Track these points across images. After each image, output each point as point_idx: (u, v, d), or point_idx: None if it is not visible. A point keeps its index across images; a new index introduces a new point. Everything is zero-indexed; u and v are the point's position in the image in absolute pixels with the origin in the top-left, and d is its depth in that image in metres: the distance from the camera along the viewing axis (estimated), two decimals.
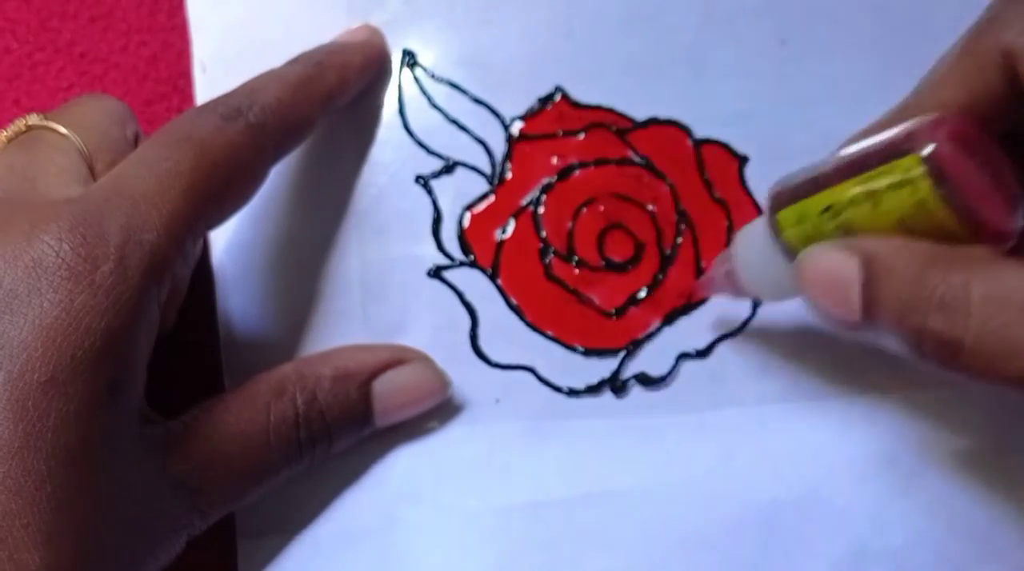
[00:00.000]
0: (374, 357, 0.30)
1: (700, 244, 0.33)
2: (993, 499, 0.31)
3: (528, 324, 0.33)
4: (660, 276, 0.33)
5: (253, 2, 0.34)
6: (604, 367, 0.33)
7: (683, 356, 0.33)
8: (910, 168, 0.23)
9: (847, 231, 0.25)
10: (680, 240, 0.33)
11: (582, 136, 0.34)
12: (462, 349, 0.32)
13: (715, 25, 0.34)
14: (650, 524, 0.31)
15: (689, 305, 0.33)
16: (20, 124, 0.28)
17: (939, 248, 0.23)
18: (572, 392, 0.32)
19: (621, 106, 0.34)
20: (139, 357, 0.25)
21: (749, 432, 0.32)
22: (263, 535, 0.31)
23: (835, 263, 0.25)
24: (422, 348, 0.32)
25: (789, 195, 0.26)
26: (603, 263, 0.33)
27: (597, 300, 0.33)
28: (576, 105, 0.34)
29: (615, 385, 0.32)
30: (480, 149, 0.34)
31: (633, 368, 0.33)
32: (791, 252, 0.27)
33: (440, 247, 0.33)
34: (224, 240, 0.33)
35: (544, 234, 0.33)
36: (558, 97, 0.34)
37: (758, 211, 0.34)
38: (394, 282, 0.33)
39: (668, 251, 0.33)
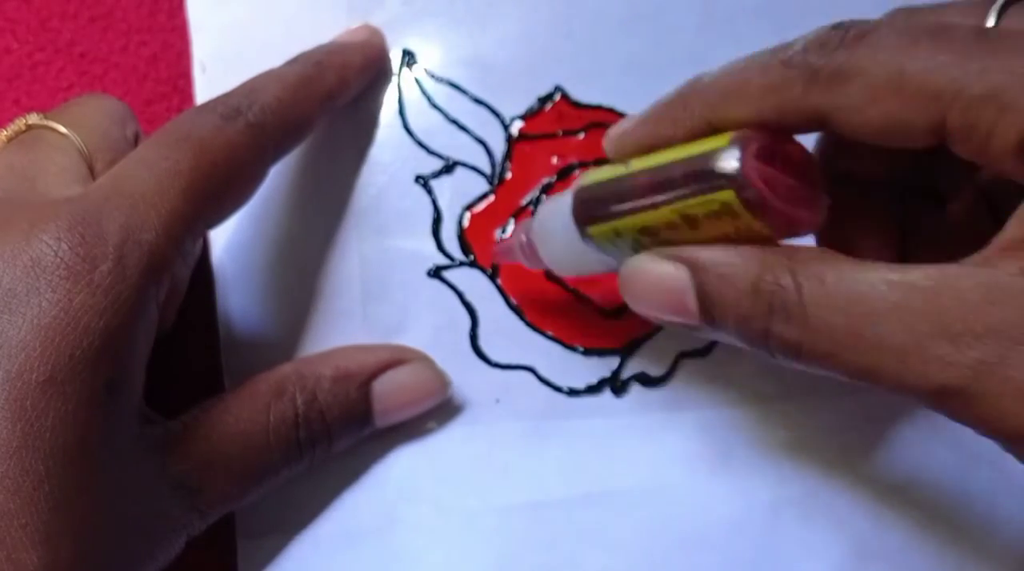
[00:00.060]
0: (374, 357, 0.30)
1: None
2: (993, 499, 0.31)
3: (528, 324, 0.33)
4: None
5: (253, 2, 0.34)
6: (604, 367, 0.33)
7: (683, 355, 0.33)
8: (727, 201, 0.23)
9: (666, 244, 0.25)
10: None
11: (582, 136, 0.34)
12: (462, 349, 0.32)
13: (715, 25, 0.34)
14: (650, 524, 0.31)
15: None
16: (20, 123, 0.28)
17: (767, 251, 0.24)
18: (572, 392, 0.32)
19: (621, 106, 0.34)
20: (138, 357, 0.25)
21: (749, 432, 0.32)
22: (263, 535, 0.31)
23: (663, 274, 0.25)
24: (422, 348, 0.32)
25: (602, 211, 0.26)
26: None
27: (597, 300, 0.33)
28: (576, 105, 0.34)
29: (615, 385, 0.32)
30: (480, 149, 0.34)
31: (633, 368, 0.33)
32: (603, 250, 0.27)
33: (440, 247, 0.33)
34: (224, 240, 0.33)
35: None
36: (558, 97, 0.34)
37: None
38: (394, 282, 0.33)
39: None
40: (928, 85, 0.22)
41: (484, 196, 0.33)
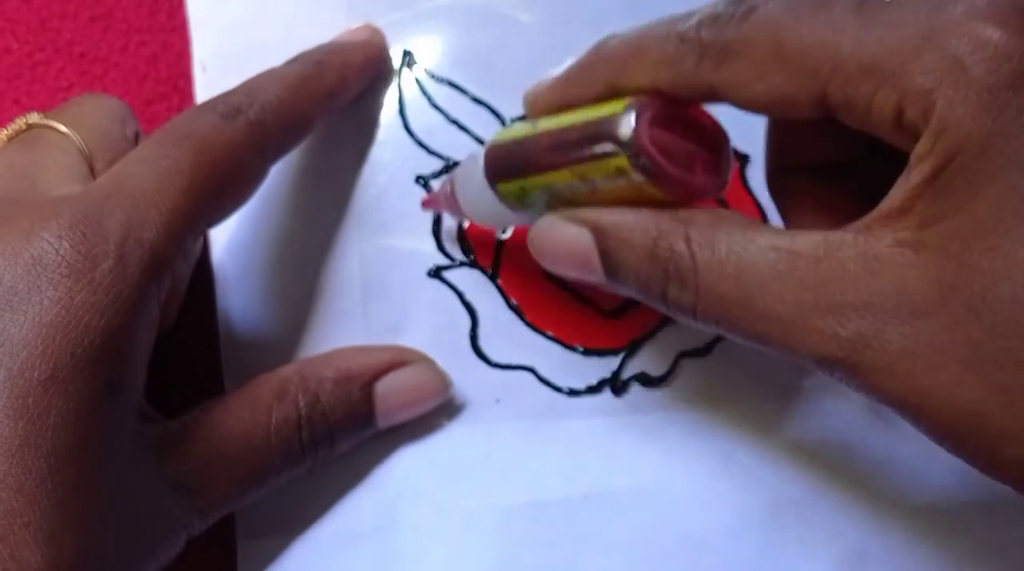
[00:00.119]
0: (376, 359, 0.30)
1: None
2: (994, 499, 0.31)
3: (528, 324, 0.33)
4: None
5: (253, 2, 0.34)
6: (604, 367, 0.33)
7: (683, 355, 0.33)
8: (621, 165, 0.24)
9: (571, 203, 0.26)
10: None
11: None
12: (462, 349, 0.32)
13: None
14: (650, 524, 0.31)
15: None
16: (20, 123, 0.28)
17: (664, 216, 0.25)
18: (572, 392, 0.32)
19: None
20: (139, 355, 0.25)
21: (749, 432, 0.32)
22: (263, 535, 0.31)
23: (568, 235, 0.26)
24: (422, 348, 0.32)
25: (507, 168, 0.27)
26: None
27: (597, 300, 0.33)
28: None
29: (615, 385, 0.32)
30: (480, 149, 0.34)
31: (633, 368, 0.33)
32: (514, 207, 0.28)
33: (440, 247, 0.33)
34: (224, 239, 0.33)
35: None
36: None
37: (760, 211, 0.34)
38: (394, 282, 0.33)
39: None
40: (807, 60, 0.22)
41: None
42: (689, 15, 0.25)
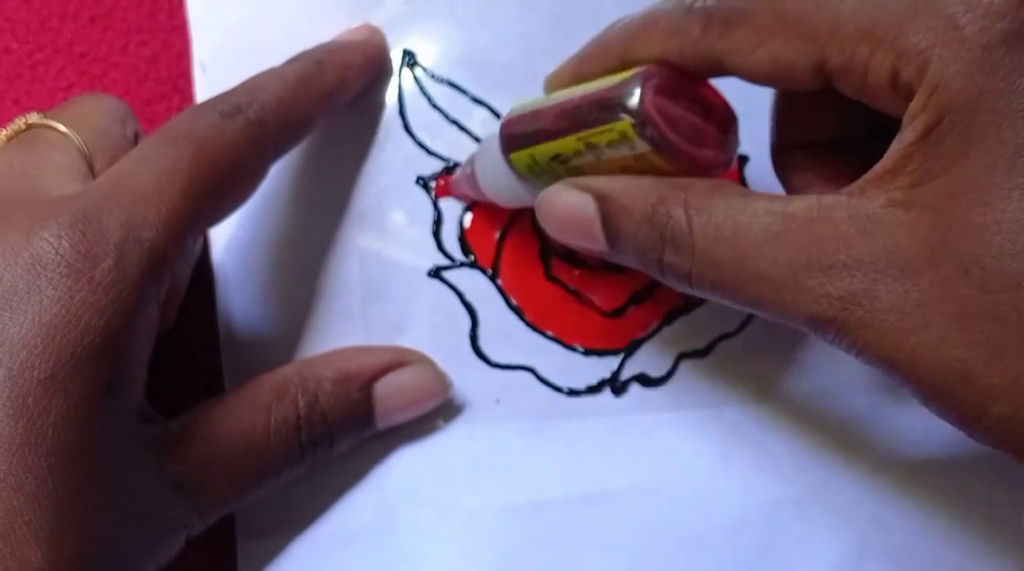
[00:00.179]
0: (375, 359, 0.30)
1: None
2: (994, 499, 0.31)
3: (528, 324, 0.33)
4: None
5: (253, 2, 0.34)
6: (604, 367, 0.33)
7: (683, 356, 0.33)
8: (624, 130, 0.24)
9: (578, 173, 0.27)
10: None
11: None
12: (462, 349, 0.32)
13: None
14: (650, 524, 0.31)
15: (688, 305, 0.33)
16: (20, 122, 0.28)
17: (664, 183, 0.25)
18: (572, 392, 0.32)
19: None
20: (138, 355, 0.25)
21: (749, 432, 0.32)
22: (263, 535, 0.31)
23: (572, 203, 0.26)
24: (422, 348, 0.32)
25: (519, 138, 0.28)
26: (603, 263, 0.33)
27: (597, 300, 0.33)
28: None
29: (615, 385, 0.32)
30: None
31: (633, 368, 0.33)
32: (526, 179, 0.29)
33: (440, 247, 0.33)
34: (224, 239, 0.33)
35: (544, 234, 0.33)
36: None
37: None
38: (394, 282, 0.33)
39: None
40: (806, 26, 0.23)
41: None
42: None
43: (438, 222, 0.33)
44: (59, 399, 0.23)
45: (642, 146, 0.24)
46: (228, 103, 0.28)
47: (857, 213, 0.22)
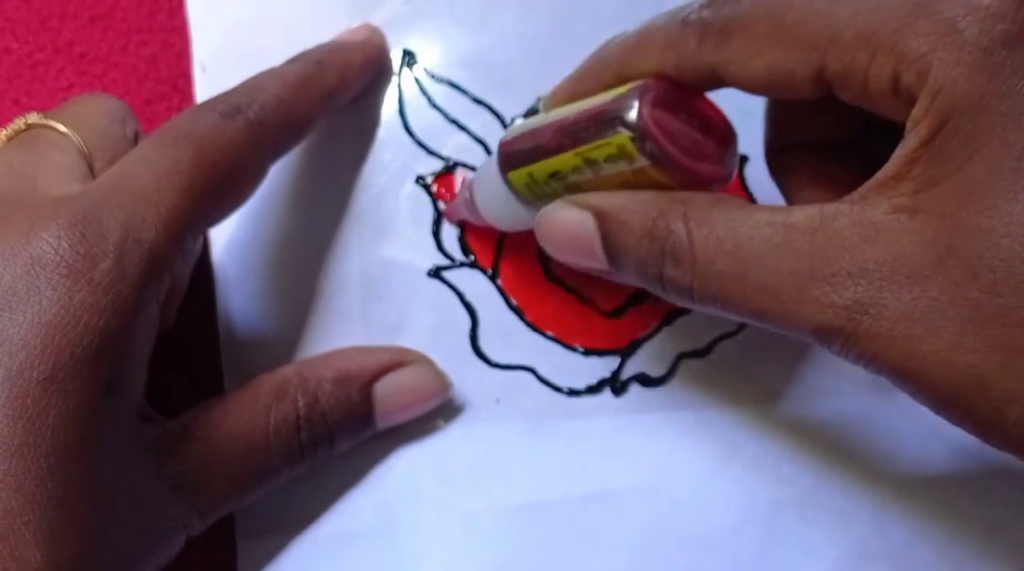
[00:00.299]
0: (375, 359, 0.30)
1: None
2: (993, 499, 0.31)
3: (528, 324, 0.33)
4: None
5: (253, 2, 0.34)
6: (604, 367, 0.33)
7: (683, 356, 0.33)
8: (622, 144, 0.24)
9: (576, 190, 0.26)
10: None
11: None
12: (462, 349, 0.32)
13: None
14: (650, 524, 0.31)
15: None
16: (20, 122, 0.28)
17: (663, 197, 0.25)
18: (572, 392, 0.32)
19: None
20: (138, 355, 0.25)
21: (749, 432, 0.32)
22: (263, 535, 0.31)
23: (572, 221, 0.26)
24: (422, 348, 0.32)
25: (517, 156, 0.28)
26: None
27: (597, 300, 0.33)
28: None
29: (615, 385, 0.32)
30: (480, 149, 0.34)
31: (633, 368, 0.33)
32: (525, 200, 0.28)
33: (440, 247, 0.33)
34: (224, 239, 0.33)
35: None
36: None
37: None
38: (394, 282, 0.33)
39: None
40: (804, 34, 0.23)
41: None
42: (692, 2, 0.25)
43: (438, 222, 0.33)
44: (58, 399, 0.23)
45: (641, 160, 0.24)
46: (228, 103, 0.28)
47: (860, 221, 0.22)
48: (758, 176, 0.33)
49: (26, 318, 0.23)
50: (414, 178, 0.33)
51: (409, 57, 0.34)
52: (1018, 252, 0.20)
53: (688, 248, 0.24)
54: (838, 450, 0.32)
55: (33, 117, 0.28)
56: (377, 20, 0.34)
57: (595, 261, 0.26)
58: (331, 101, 0.31)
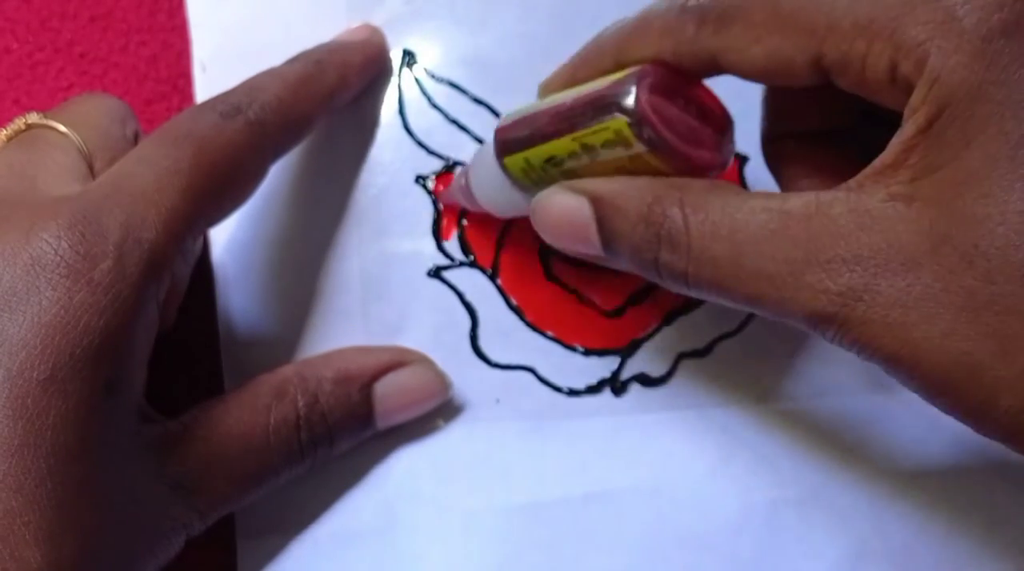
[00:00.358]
0: (375, 359, 0.30)
1: None
2: (993, 500, 0.31)
3: (528, 324, 0.33)
4: None
5: (253, 2, 0.34)
6: (604, 367, 0.33)
7: (683, 356, 0.33)
8: (619, 129, 0.24)
9: (572, 176, 0.26)
10: None
11: None
12: (462, 349, 0.32)
13: None
14: (650, 524, 0.31)
15: (688, 305, 0.33)
16: (20, 122, 0.28)
17: (659, 182, 0.25)
18: (572, 392, 0.32)
19: None
20: (138, 355, 0.25)
21: (749, 432, 0.32)
22: (263, 535, 0.31)
23: (567, 206, 0.26)
24: (422, 348, 0.32)
25: (513, 141, 0.27)
26: None
27: (597, 300, 0.33)
28: None
29: (615, 385, 0.32)
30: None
31: (633, 368, 0.32)
32: (521, 186, 0.28)
33: (440, 247, 0.33)
34: (224, 239, 0.33)
35: None
36: None
37: None
38: (394, 282, 0.33)
39: None
40: (802, 21, 0.23)
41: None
42: None
43: (438, 222, 0.33)
44: (58, 400, 0.23)
45: (638, 146, 0.24)
46: (228, 103, 0.28)
47: (856, 208, 0.22)
48: (759, 177, 0.33)
49: (26, 318, 0.23)
50: (414, 178, 0.33)
51: (409, 57, 0.34)
52: (1013, 240, 0.20)
53: (684, 233, 0.24)
54: (838, 450, 0.32)
55: (33, 117, 0.29)
56: (377, 20, 0.34)
57: (590, 247, 0.26)
58: (331, 101, 0.31)
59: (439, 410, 0.32)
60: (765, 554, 0.31)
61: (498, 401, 0.32)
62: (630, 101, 0.24)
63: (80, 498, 0.23)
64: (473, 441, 0.32)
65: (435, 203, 0.33)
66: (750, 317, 0.33)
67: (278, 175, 0.33)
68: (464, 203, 0.32)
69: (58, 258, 0.23)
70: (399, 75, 0.34)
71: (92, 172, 0.28)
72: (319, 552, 0.31)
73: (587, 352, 0.33)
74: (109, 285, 0.24)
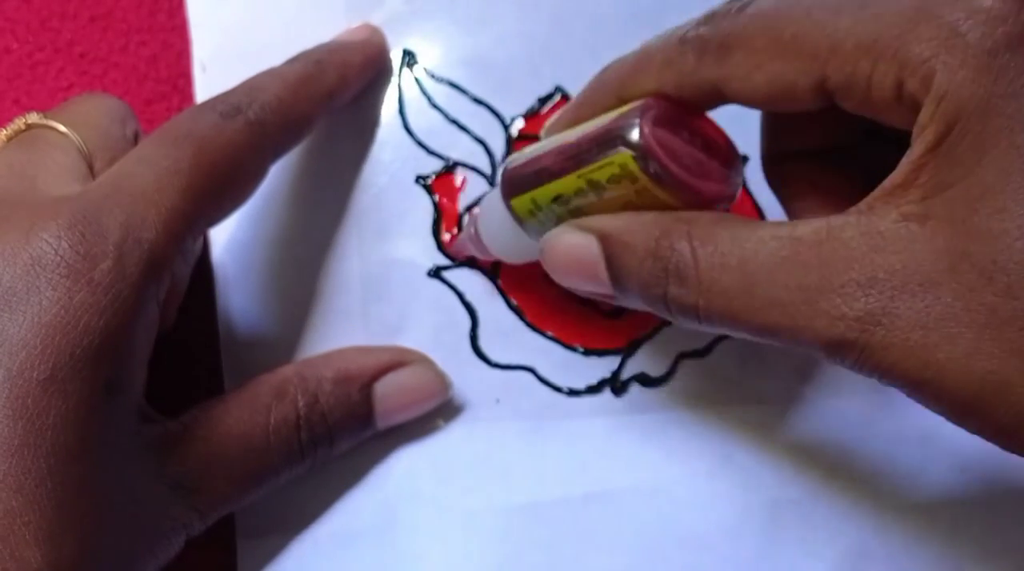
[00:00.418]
0: (375, 359, 0.30)
1: None
2: (994, 499, 0.31)
3: (528, 324, 0.33)
4: None
5: (253, 2, 0.34)
6: (604, 367, 0.33)
7: (683, 356, 0.33)
8: (625, 163, 0.24)
9: (579, 215, 0.26)
10: None
11: None
12: (462, 349, 0.32)
13: None
14: (650, 524, 0.31)
15: None
16: (20, 122, 0.28)
17: (667, 217, 0.24)
18: (572, 392, 0.32)
19: None
20: (138, 355, 0.25)
21: (749, 432, 0.32)
22: (263, 535, 0.31)
23: (575, 245, 0.26)
24: (422, 348, 0.32)
25: (520, 182, 0.27)
26: None
27: (597, 300, 0.33)
28: None
29: (615, 385, 0.32)
30: (480, 149, 0.34)
31: (633, 368, 0.33)
32: (529, 228, 0.28)
33: (440, 247, 0.33)
34: (224, 239, 0.33)
35: None
36: (558, 97, 0.34)
37: (759, 212, 0.34)
38: (394, 282, 0.33)
39: None
40: (804, 44, 0.22)
41: (484, 196, 0.33)
42: (689, 20, 0.25)
43: (438, 222, 0.33)
44: (58, 400, 0.23)
45: (644, 180, 0.24)
46: (228, 103, 0.28)
47: (868, 230, 0.21)
48: (759, 177, 0.33)
49: (26, 318, 0.23)
50: (414, 178, 0.33)
51: (409, 57, 0.34)
52: None
53: (692, 266, 0.23)
54: (838, 450, 0.32)
55: (33, 117, 0.28)
56: (377, 20, 0.34)
57: (600, 285, 0.26)
58: (331, 101, 0.31)
59: (439, 410, 0.32)
60: (765, 554, 0.31)
61: (498, 401, 0.32)
62: (634, 134, 0.24)
63: (80, 498, 0.23)
64: (473, 441, 0.32)
65: (435, 203, 0.33)
66: None
67: (278, 175, 0.33)
68: (475, 252, 0.32)
69: (58, 258, 0.23)
70: (399, 75, 0.34)
71: (92, 172, 0.28)
72: (319, 552, 0.31)
73: (587, 352, 0.33)
74: (109, 285, 0.24)
